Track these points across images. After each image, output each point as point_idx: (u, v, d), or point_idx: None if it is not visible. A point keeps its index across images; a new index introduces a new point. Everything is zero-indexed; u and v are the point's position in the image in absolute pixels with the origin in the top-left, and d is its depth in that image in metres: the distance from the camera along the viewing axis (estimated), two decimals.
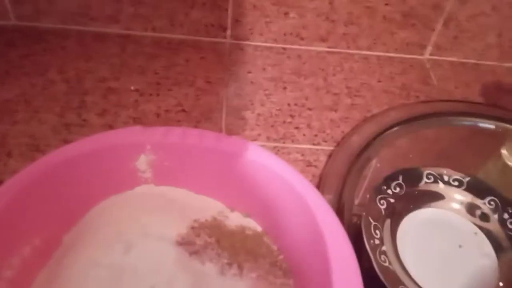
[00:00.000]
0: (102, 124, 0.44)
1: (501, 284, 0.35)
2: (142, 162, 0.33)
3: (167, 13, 0.52)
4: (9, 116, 0.43)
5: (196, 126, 0.45)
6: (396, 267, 0.36)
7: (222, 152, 0.33)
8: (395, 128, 0.47)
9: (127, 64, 0.51)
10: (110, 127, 0.44)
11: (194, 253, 0.30)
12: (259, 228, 0.35)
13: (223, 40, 0.55)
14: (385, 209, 0.39)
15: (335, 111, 0.49)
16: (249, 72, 0.52)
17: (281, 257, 0.34)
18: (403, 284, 0.34)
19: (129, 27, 0.54)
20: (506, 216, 0.39)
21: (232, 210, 0.35)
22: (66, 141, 0.42)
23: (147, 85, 0.49)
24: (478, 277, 0.36)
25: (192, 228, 0.32)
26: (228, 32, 0.54)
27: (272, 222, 0.35)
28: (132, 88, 0.48)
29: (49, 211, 0.31)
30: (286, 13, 0.53)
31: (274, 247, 0.34)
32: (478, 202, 0.40)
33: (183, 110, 0.47)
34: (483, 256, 0.38)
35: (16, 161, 0.40)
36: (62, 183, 0.32)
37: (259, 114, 0.47)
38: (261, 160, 0.33)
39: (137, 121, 0.45)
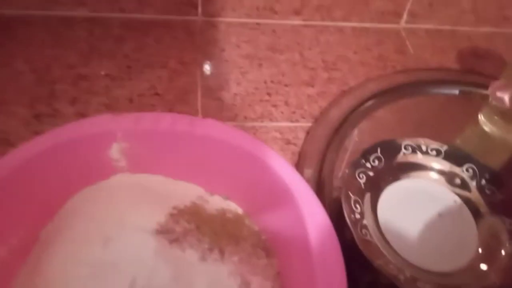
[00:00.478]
0: (74, 112, 0.43)
1: (480, 250, 0.36)
2: (115, 151, 0.33)
3: None
4: None
5: (171, 110, 0.44)
6: (377, 240, 0.36)
7: (196, 135, 0.32)
8: (372, 100, 0.46)
9: (96, 49, 0.49)
10: (82, 115, 0.43)
11: (174, 241, 0.30)
12: (240, 210, 0.35)
13: (195, 18, 0.53)
14: (364, 183, 0.39)
15: (312, 86, 0.48)
16: (223, 50, 0.51)
17: (263, 237, 0.34)
18: (384, 256, 0.35)
19: (96, 9, 0.52)
20: (483, 182, 0.40)
21: (212, 194, 0.35)
22: (38, 133, 0.40)
23: (118, 69, 0.47)
24: (458, 245, 0.37)
25: (171, 215, 0.32)
26: (199, 9, 0.53)
27: (252, 203, 0.35)
28: (103, 73, 0.47)
29: (23, 207, 0.30)
30: None
31: (256, 228, 0.34)
32: (456, 170, 0.41)
33: (157, 94, 0.45)
34: (462, 224, 0.38)
35: None
36: (34, 177, 0.31)
37: (235, 94, 0.46)
38: (236, 141, 0.32)
39: (109, 107, 0.44)
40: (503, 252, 0.35)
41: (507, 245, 0.36)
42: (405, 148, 0.41)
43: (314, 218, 0.30)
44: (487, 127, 0.46)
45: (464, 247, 0.36)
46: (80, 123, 0.32)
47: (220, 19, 0.54)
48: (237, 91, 0.47)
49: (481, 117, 0.46)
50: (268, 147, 0.33)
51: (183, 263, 0.29)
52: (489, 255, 0.36)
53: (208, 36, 0.52)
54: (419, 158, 0.41)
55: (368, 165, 0.40)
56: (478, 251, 0.36)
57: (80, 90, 0.45)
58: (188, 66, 0.48)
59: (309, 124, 0.45)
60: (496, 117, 0.45)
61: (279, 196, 0.32)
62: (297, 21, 0.54)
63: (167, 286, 0.28)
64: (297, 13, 0.54)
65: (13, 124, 0.41)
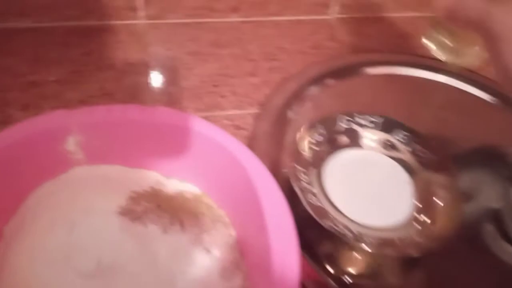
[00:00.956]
0: (27, 117, 0.43)
1: (418, 200, 0.40)
2: (71, 144, 0.34)
3: (77, 1, 0.52)
4: None
5: None
6: (325, 205, 0.39)
7: (148, 123, 0.35)
8: (312, 84, 0.50)
9: (43, 57, 0.50)
10: None
11: (137, 219, 0.32)
12: (198, 190, 0.37)
13: (137, 22, 0.56)
14: (310, 156, 0.43)
15: (256, 76, 0.51)
16: (169, 49, 0.53)
17: (221, 212, 0.36)
18: (332, 218, 0.38)
19: (39, 20, 0.53)
20: (416, 146, 0.44)
21: (169, 177, 0.37)
22: None
23: (67, 74, 0.48)
24: (398, 201, 0.41)
25: (131, 198, 0.34)
26: (141, 12, 0.55)
27: (209, 183, 0.37)
28: (52, 79, 0.48)
29: None
30: None
31: (214, 205, 0.37)
32: (389, 137, 0.45)
33: (107, 93, 0.47)
34: (399, 183, 0.42)
35: None
36: None
37: (184, 88, 0.49)
38: (188, 124, 0.35)
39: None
40: (436, 202, 0.40)
41: (439, 195, 0.40)
42: (342, 122, 0.45)
43: (267, 191, 0.33)
44: (433, 45, 0.45)
45: (403, 203, 0.41)
46: (34, 120, 0.33)
47: (162, 21, 0.56)
48: (186, 86, 0.49)
49: (425, 41, 0.45)
50: (218, 128, 0.35)
51: (146, 237, 0.31)
52: (425, 207, 0.40)
53: (152, 37, 0.54)
54: (357, 129, 0.45)
55: (312, 140, 0.44)
56: (415, 204, 0.40)
57: (31, 96, 0.46)
58: (135, 66, 0.50)
59: (256, 111, 0.48)
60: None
61: (234, 173, 0.35)
62: (235, 18, 0.58)
63: (133, 260, 0.30)
64: (235, 10, 0.57)
65: None
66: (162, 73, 0.50)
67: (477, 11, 0.33)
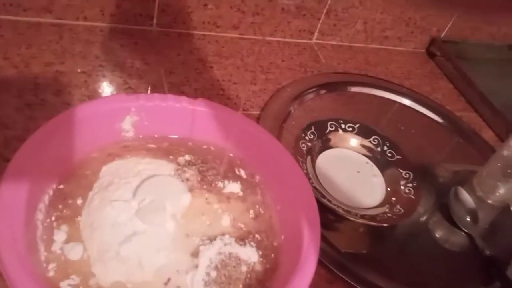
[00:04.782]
0: (60, 102, 0.49)
1: (388, 189, 0.51)
2: (127, 123, 0.41)
3: (99, 3, 0.58)
4: None
5: None
6: (319, 188, 0.49)
7: (192, 110, 0.42)
8: (302, 94, 0.61)
9: (68, 50, 0.55)
10: (68, 104, 0.49)
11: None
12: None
13: (150, 28, 0.63)
14: (306, 150, 0.52)
15: (255, 84, 0.61)
16: (179, 55, 0.61)
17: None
18: (326, 197, 0.48)
19: (61, 17, 0.58)
20: (385, 148, 0.56)
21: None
22: (32, 118, 0.47)
23: (92, 68, 0.54)
24: (374, 188, 0.52)
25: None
26: (154, 20, 0.62)
27: (249, 152, 0.44)
28: (79, 70, 0.53)
29: (59, 154, 0.37)
30: (205, 5, 0.63)
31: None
32: (366, 141, 0.56)
33: (130, 87, 0.54)
34: (374, 176, 0.53)
35: None
36: (67, 136, 0.38)
37: (196, 89, 0.57)
38: (225, 115, 0.43)
39: (91, 98, 0.51)
40: (401, 189, 0.51)
41: (402, 183, 0.52)
42: (330, 126, 0.56)
43: (292, 168, 0.41)
44: None
45: (378, 189, 0.52)
46: (104, 99, 0.40)
47: (172, 30, 0.64)
48: (197, 87, 0.57)
49: None
50: (244, 117, 0.44)
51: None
52: (394, 192, 0.51)
53: (164, 43, 0.62)
54: (340, 133, 0.56)
55: (306, 138, 0.53)
56: (387, 190, 0.51)
57: (61, 84, 0.51)
58: (152, 66, 0.57)
59: (258, 112, 0.57)
60: None
61: (263, 147, 0.43)
62: (235, 34, 0.67)
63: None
64: (235, 28, 0.66)
65: (6, 111, 0.46)
66: (175, 75, 0.58)
67: None
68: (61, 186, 0.37)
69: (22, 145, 0.34)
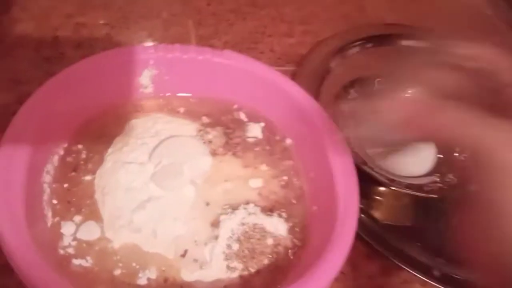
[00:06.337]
0: (80, 55, 0.45)
1: (440, 155, 0.45)
2: (145, 77, 0.37)
3: None
4: None
5: None
6: (362, 154, 0.44)
7: (217, 63, 0.38)
8: (343, 48, 0.54)
9: (89, 1, 0.52)
10: None
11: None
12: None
13: None
14: (347, 111, 0.47)
15: (292, 37, 0.55)
16: (209, 5, 0.56)
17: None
18: (368, 163, 0.43)
19: None
20: None
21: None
22: (49, 73, 0.43)
23: (115, 20, 0.50)
24: (422, 156, 0.46)
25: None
26: None
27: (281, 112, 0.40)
28: (101, 22, 0.50)
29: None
30: None
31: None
32: None
33: (156, 40, 0.50)
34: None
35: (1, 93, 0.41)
36: (86, 84, 0.35)
37: (225, 42, 0.52)
38: (252, 68, 0.38)
39: None
40: (455, 156, 0.45)
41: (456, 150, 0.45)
42: (377, 83, 0.49)
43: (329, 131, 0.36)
44: None
45: (427, 156, 0.46)
46: (116, 51, 0.36)
47: None
48: (227, 40, 0.52)
49: None
50: (278, 72, 0.39)
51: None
52: (446, 160, 0.45)
53: None
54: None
55: (349, 97, 0.48)
56: (438, 157, 0.45)
57: (82, 37, 0.48)
58: (179, 17, 0.53)
59: (293, 68, 0.51)
60: None
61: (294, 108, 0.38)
62: None
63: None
64: None
65: (23, 66, 0.44)
66: (204, 26, 0.53)
67: None
68: (72, 147, 0.34)
69: (24, 103, 0.31)
